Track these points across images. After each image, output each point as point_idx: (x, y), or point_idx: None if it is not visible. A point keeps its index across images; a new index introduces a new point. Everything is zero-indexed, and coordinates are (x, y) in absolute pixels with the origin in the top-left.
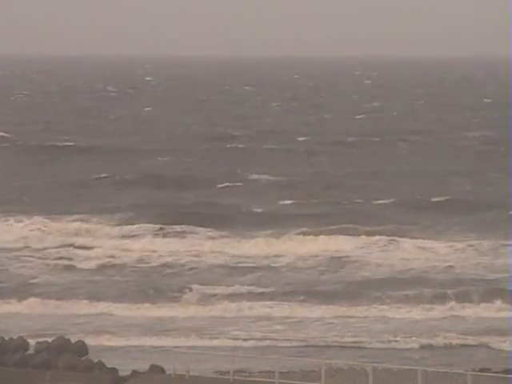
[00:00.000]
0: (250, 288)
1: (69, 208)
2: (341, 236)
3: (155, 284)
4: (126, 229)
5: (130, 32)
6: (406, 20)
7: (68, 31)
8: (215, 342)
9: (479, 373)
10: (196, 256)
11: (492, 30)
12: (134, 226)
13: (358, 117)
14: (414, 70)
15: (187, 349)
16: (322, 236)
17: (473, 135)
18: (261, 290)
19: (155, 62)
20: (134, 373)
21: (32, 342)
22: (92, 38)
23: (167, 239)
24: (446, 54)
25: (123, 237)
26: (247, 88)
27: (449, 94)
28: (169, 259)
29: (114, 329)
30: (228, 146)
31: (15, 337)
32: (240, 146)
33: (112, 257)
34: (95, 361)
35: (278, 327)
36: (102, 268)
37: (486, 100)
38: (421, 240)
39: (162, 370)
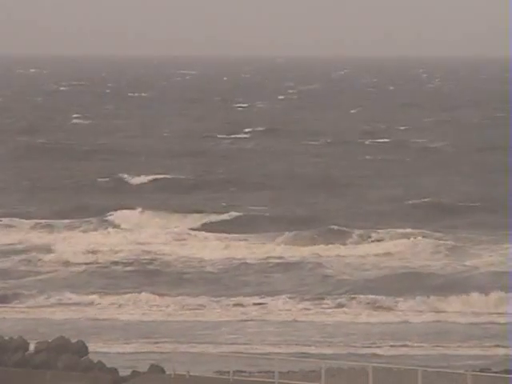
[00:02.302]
0: None
1: None
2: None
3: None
4: None
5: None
6: (404, 20)
7: (67, 31)
8: None
9: (479, 373)
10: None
11: (492, 30)
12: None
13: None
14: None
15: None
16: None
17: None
18: None
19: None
20: (134, 373)
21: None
22: (89, 37)
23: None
24: (447, 54)
25: None
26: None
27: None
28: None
29: None
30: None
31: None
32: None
33: None
34: (95, 361)
35: None
36: None
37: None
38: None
39: (162, 370)
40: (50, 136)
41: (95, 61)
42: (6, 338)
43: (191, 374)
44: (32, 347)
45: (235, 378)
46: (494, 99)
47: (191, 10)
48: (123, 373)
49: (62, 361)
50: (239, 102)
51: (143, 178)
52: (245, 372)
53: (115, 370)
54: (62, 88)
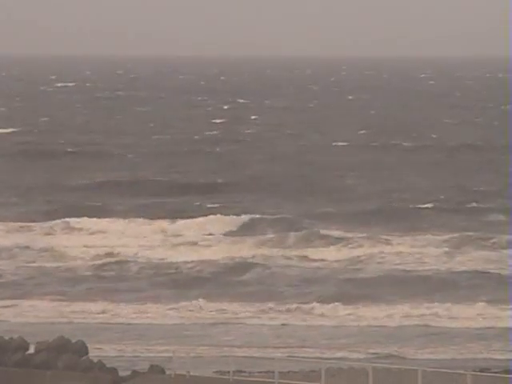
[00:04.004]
0: None
1: None
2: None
3: None
4: None
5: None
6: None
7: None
8: None
9: (479, 373)
10: None
11: (492, 30)
12: None
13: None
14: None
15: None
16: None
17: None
18: None
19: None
20: (134, 373)
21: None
22: (89, 37)
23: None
24: (447, 54)
25: None
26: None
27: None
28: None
29: None
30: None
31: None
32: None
33: None
34: (95, 361)
35: None
36: None
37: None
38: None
39: (162, 370)
40: (31, 136)
41: (94, 61)
42: (6, 338)
43: (191, 373)
44: (32, 347)
45: (235, 378)
46: (486, 99)
47: (191, 10)
48: (123, 373)
49: (62, 361)
50: (234, 103)
51: (121, 179)
52: (245, 372)
53: (115, 369)
54: (50, 89)
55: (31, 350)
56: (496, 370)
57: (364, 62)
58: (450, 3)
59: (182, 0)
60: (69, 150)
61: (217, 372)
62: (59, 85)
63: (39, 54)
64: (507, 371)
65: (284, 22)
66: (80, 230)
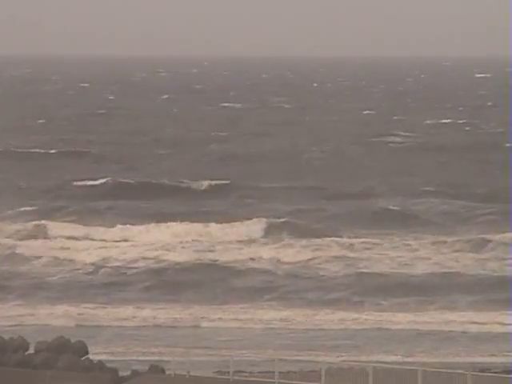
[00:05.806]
0: None
1: None
2: None
3: None
4: None
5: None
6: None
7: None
8: None
9: (479, 373)
10: None
11: (492, 30)
12: None
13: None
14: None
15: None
16: None
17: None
18: None
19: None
20: (134, 373)
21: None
22: (89, 37)
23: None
24: (447, 54)
25: None
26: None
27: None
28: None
29: None
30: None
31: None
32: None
33: None
34: (95, 361)
35: None
36: None
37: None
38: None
39: (162, 370)
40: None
41: (95, 61)
42: (6, 337)
43: (191, 373)
44: (32, 347)
45: (235, 378)
46: (478, 99)
47: (190, 10)
48: (123, 373)
49: (62, 361)
50: (229, 102)
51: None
52: (245, 372)
53: (115, 369)
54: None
55: (31, 350)
56: (496, 370)
57: (364, 62)
58: (449, 3)
59: (181, 0)
60: (52, 151)
61: (217, 372)
62: (57, 86)
63: (39, 54)
64: (507, 371)
65: (284, 22)
66: (57, 234)
